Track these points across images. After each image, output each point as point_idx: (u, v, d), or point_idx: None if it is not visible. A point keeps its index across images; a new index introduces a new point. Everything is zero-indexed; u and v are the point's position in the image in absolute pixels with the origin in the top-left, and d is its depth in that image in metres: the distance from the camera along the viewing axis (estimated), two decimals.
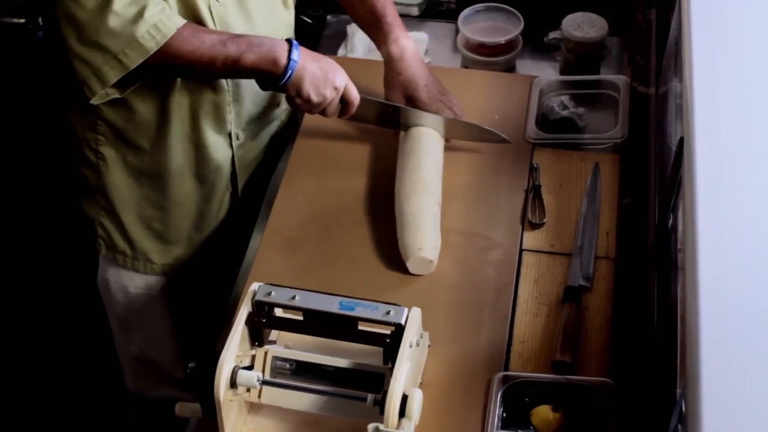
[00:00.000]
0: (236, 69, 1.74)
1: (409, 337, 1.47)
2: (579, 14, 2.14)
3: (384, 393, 1.43)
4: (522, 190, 1.90)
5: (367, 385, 1.49)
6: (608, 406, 1.51)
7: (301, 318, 1.55)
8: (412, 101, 1.95)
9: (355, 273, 1.77)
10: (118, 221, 1.98)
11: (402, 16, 2.34)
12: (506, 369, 1.61)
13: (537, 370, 1.61)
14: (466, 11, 2.23)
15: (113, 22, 1.64)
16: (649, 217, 1.84)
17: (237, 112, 1.92)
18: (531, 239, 1.82)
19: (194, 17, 1.76)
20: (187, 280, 2.06)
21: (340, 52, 2.25)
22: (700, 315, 1.10)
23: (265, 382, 1.52)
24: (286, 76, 1.75)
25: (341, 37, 2.28)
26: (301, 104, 1.81)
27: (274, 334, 1.59)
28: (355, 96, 1.84)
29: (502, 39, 2.18)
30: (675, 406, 1.30)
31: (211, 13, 1.78)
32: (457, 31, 2.25)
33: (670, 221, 1.64)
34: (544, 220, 1.84)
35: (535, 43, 2.23)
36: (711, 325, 1.09)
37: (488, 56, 2.19)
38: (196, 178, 1.94)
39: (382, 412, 1.42)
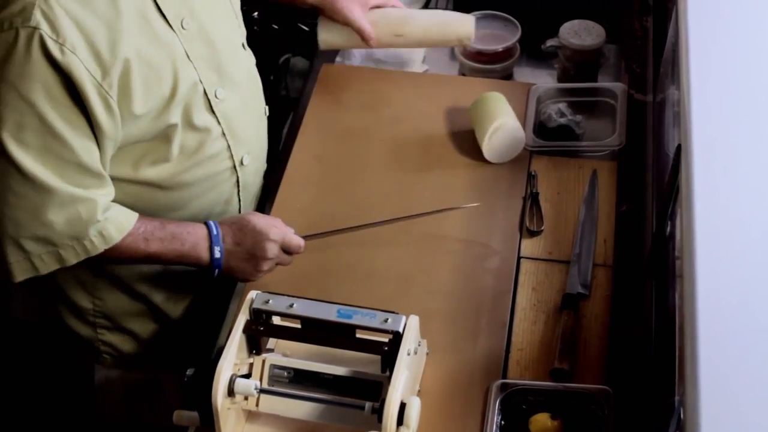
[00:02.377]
0: (161, 263, 1.71)
1: (407, 345, 1.47)
2: (576, 22, 2.14)
3: (382, 401, 1.43)
4: (520, 197, 1.90)
5: (365, 393, 1.49)
6: (606, 413, 1.51)
7: (298, 326, 1.55)
8: (365, 5, 1.98)
9: (353, 281, 1.77)
10: (127, 332, 1.91)
11: None
12: (504, 377, 1.61)
13: (535, 378, 1.61)
14: None
15: (39, 228, 1.54)
16: (646, 224, 1.84)
17: (245, 199, 1.88)
18: (529, 247, 1.82)
19: (200, 125, 1.69)
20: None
21: (338, 59, 2.25)
22: (697, 322, 1.10)
23: (262, 391, 1.52)
24: (215, 274, 1.71)
25: None
26: None
27: (271, 342, 1.59)
28: (297, 246, 1.73)
29: (499, 46, 2.18)
30: (673, 414, 1.30)
31: (214, 113, 1.71)
32: None
33: (668, 229, 1.64)
34: (542, 228, 1.84)
35: (532, 51, 2.23)
36: (709, 333, 1.09)
37: (486, 63, 2.19)
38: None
39: (380, 420, 1.42)
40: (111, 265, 1.80)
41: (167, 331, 1.94)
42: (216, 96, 1.70)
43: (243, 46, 1.82)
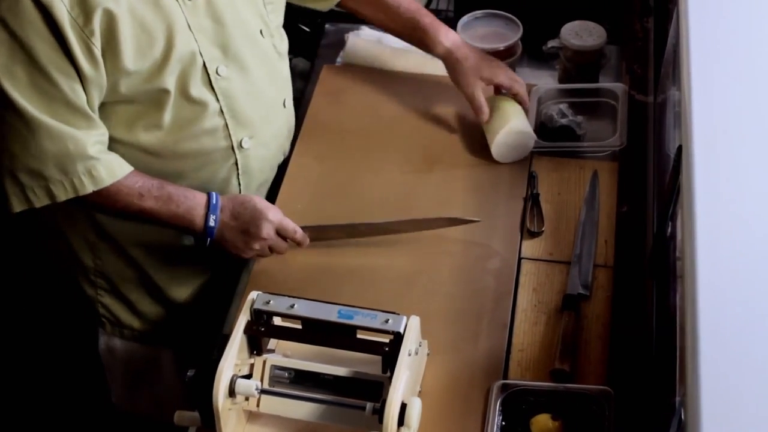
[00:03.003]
0: (152, 222, 1.73)
1: (408, 345, 1.47)
2: (577, 23, 2.14)
3: (383, 402, 1.43)
4: (521, 198, 1.90)
5: (366, 393, 1.49)
6: (607, 414, 1.51)
7: (299, 327, 1.55)
8: (489, 80, 1.96)
9: (354, 282, 1.77)
10: (124, 299, 1.95)
11: None
12: (505, 377, 1.61)
13: (536, 379, 1.61)
14: (465, 18, 2.23)
15: (30, 159, 1.60)
16: (647, 225, 1.84)
17: (246, 184, 1.88)
18: (530, 248, 1.82)
19: (196, 98, 1.71)
20: (193, 318, 2.01)
21: (339, 60, 2.25)
22: (698, 323, 1.10)
23: (263, 391, 1.52)
24: (207, 243, 1.74)
25: (339, 45, 2.28)
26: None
27: (272, 343, 1.59)
28: (291, 232, 1.77)
29: (501, 45, 2.18)
30: (674, 415, 1.30)
31: (213, 89, 1.73)
32: None
33: (669, 229, 1.64)
34: (543, 229, 1.84)
35: (533, 52, 2.23)
36: (710, 333, 1.09)
37: None
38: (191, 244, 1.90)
39: (381, 421, 1.42)
40: (112, 227, 1.84)
41: (163, 306, 1.97)
42: (217, 73, 1.73)
43: (262, 33, 1.82)
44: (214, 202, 1.73)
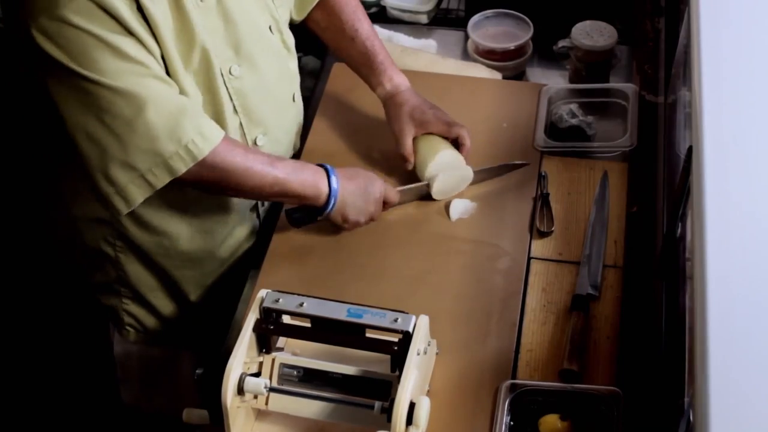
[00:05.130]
0: (280, 192, 1.71)
1: (417, 344, 1.47)
2: (588, 23, 2.14)
3: (391, 401, 1.43)
4: (530, 198, 1.90)
5: (375, 392, 1.49)
6: (616, 415, 1.51)
7: (308, 325, 1.55)
8: (422, 126, 1.90)
9: (363, 280, 1.77)
10: (149, 306, 1.94)
11: (411, 23, 2.35)
12: (514, 377, 1.61)
13: (544, 379, 1.61)
14: (476, 17, 2.23)
15: (141, 139, 1.57)
16: (657, 225, 1.83)
17: None
18: (539, 247, 1.82)
19: (210, 94, 1.71)
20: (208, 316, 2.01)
21: None
22: (708, 324, 1.09)
23: (272, 389, 1.52)
24: (330, 205, 1.75)
25: None
26: (348, 228, 1.81)
27: (281, 341, 1.59)
28: (394, 198, 1.84)
29: (511, 44, 2.18)
30: (683, 416, 1.30)
31: (227, 88, 1.73)
32: (466, 39, 2.25)
33: (679, 230, 1.64)
34: (553, 229, 1.84)
35: (544, 52, 2.23)
36: (719, 334, 1.09)
37: (498, 61, 2.19)
38: (221, 250, 1.91)
39: (389, 419, 1.42)
40: (137, 238, 1.82)
41: (182, 307, 1.96)
42: (231, 73, 1.73)
43: (270, 29, 1.82)
44: (329, 167, 1.75)
